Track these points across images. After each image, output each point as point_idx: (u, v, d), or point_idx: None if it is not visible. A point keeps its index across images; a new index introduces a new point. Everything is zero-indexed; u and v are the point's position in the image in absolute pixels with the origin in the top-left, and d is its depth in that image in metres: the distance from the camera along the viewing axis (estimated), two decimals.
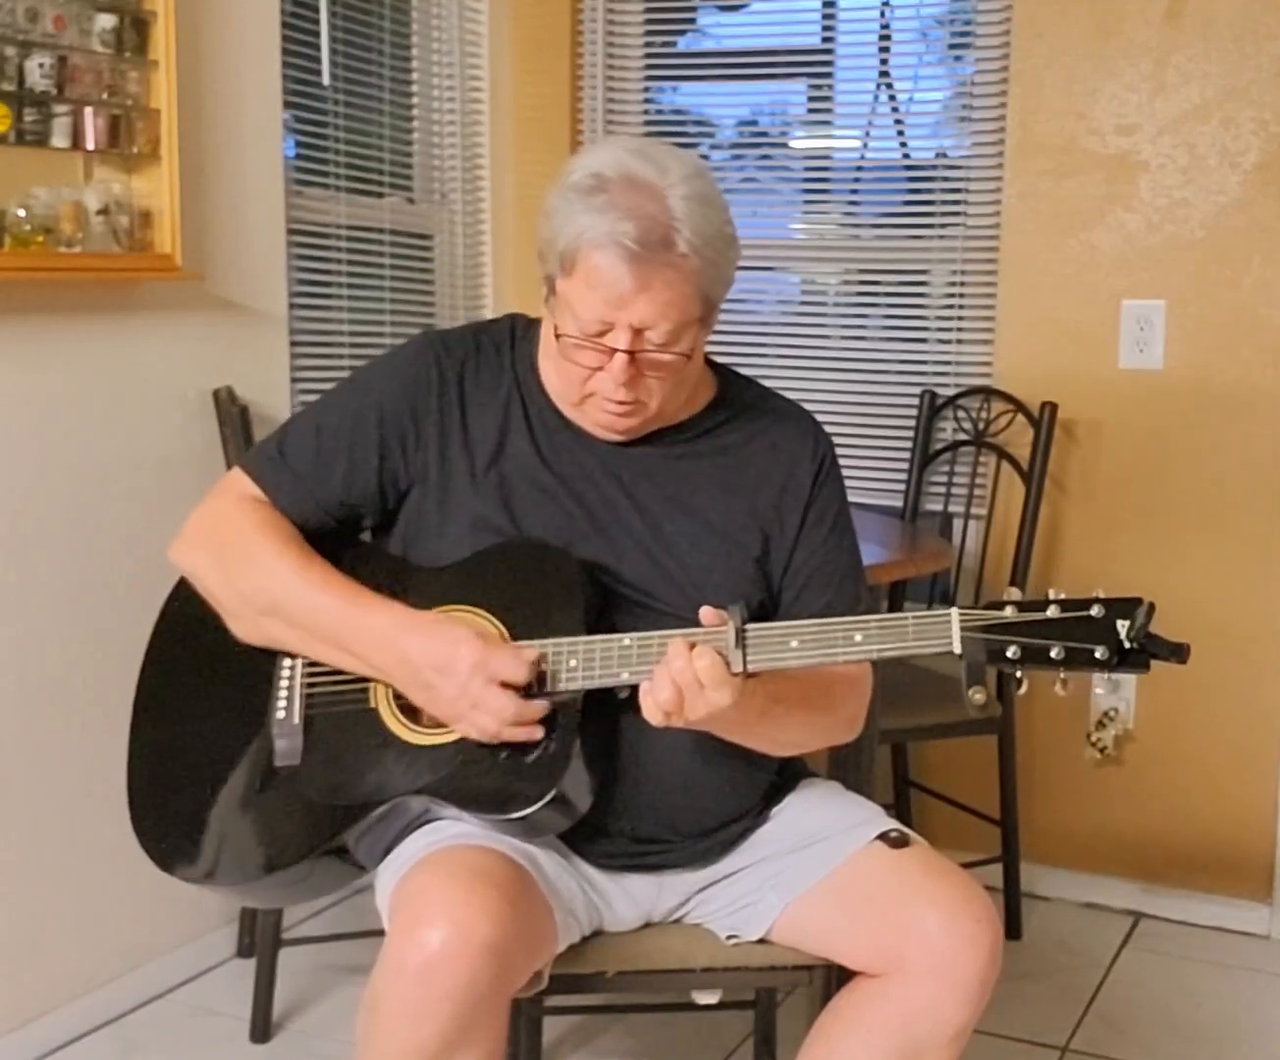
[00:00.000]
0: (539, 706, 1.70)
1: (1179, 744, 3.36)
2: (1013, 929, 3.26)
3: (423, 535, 1.86)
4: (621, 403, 1.77)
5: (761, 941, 1.88)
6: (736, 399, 1.93)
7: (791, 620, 1.72)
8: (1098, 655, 1.57)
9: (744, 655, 1.63)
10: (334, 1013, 2.87)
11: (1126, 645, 1.57)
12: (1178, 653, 1.58)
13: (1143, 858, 3.41)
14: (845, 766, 2.54)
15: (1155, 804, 3.39)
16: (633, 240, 1.67)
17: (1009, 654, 1.59)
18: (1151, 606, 1.57)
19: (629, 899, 1.89)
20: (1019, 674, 1.62)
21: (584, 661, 1.71)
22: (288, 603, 1.80)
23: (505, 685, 1.68)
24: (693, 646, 1.63)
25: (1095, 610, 1.58)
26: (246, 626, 1.85)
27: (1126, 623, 1.57)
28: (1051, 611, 1.59)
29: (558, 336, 1.75)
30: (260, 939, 2.80)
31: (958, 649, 1.60)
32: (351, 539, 1.91)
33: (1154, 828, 3.40)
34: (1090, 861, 3.46)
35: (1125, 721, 3.40)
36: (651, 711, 1.64)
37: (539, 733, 1.70)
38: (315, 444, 1.88)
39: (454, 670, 1.69)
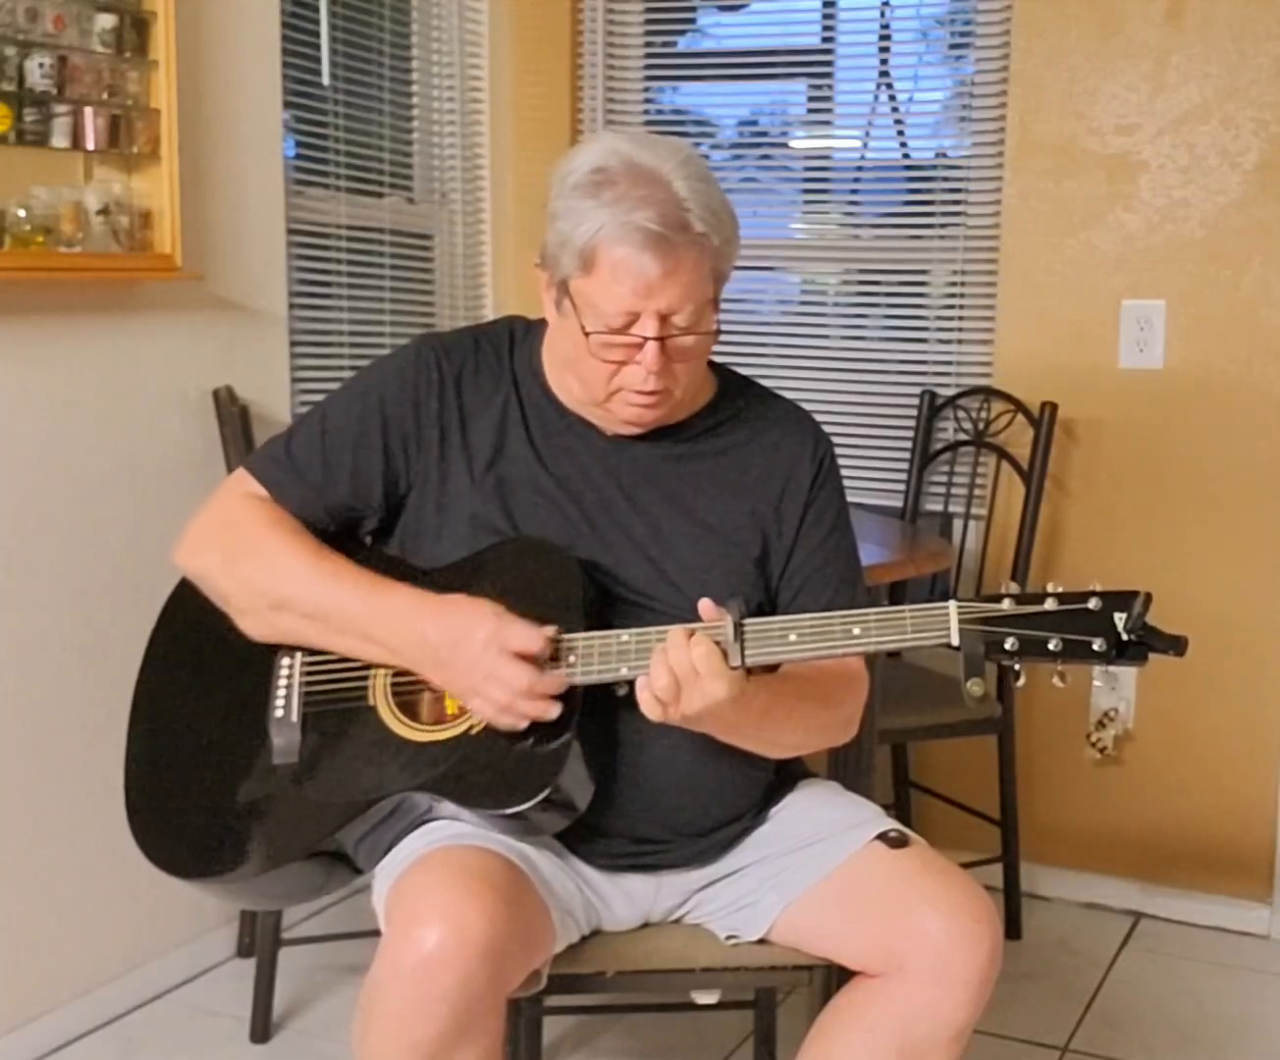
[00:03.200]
0: (554, 679, 1.69)
1: (1179, 744, 3.36)
2: (1013, 929, 3.26)
3: (421, 538, 1.86)
4: (651, 393, 1.77)
5: (761, 942, 1.88)
6: (736, 399, 1.94)
7: None
8: (1095, 647, 1.58)
9: (742, 648, 1.63)
10: (334, 1013, 2.87)
11: (1124, 637, 1.57)
12: (1175, 645, 1.58)
13: (1143, 858, 3.41)
14: (845, 766, 2.53)
15: (1155, 804, 3.39)
16: (655, 225, 1.67)
17: (1007, 646, 1.59)
18: (1148, 597, 1.57)
19: (627, 899, 1.89)
20: (1017, 666, 1.62)
21: (582, 657, 1.71)
22: (302, 596, 1.80)
23: (521, 658, 1.68)
24: (691, 634, 1.63)
25: (1093, 602, 1.58)
26: (259, 623, 1.84)
27: (1124, 615, 1.57)
28: (1049, 604, 1.59)
29: (586, 335, 1.74)
30: (260, 939, 2.80)
31: (955, 641, 1.60)
32: (351, 542, 1.90)
33: (1154, 828, 3.40)
34: (1090, 861, 3.46)
35: (1125, 721, 3.40)
36: (649, 704, 1.64)
37: (555, 709, 1.69)
38: (321, 447, 1.88)
39: (469, 641, 1.69)
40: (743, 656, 1.64)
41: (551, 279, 1.79)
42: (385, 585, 1.78)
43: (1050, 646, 1.58)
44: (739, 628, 1.64)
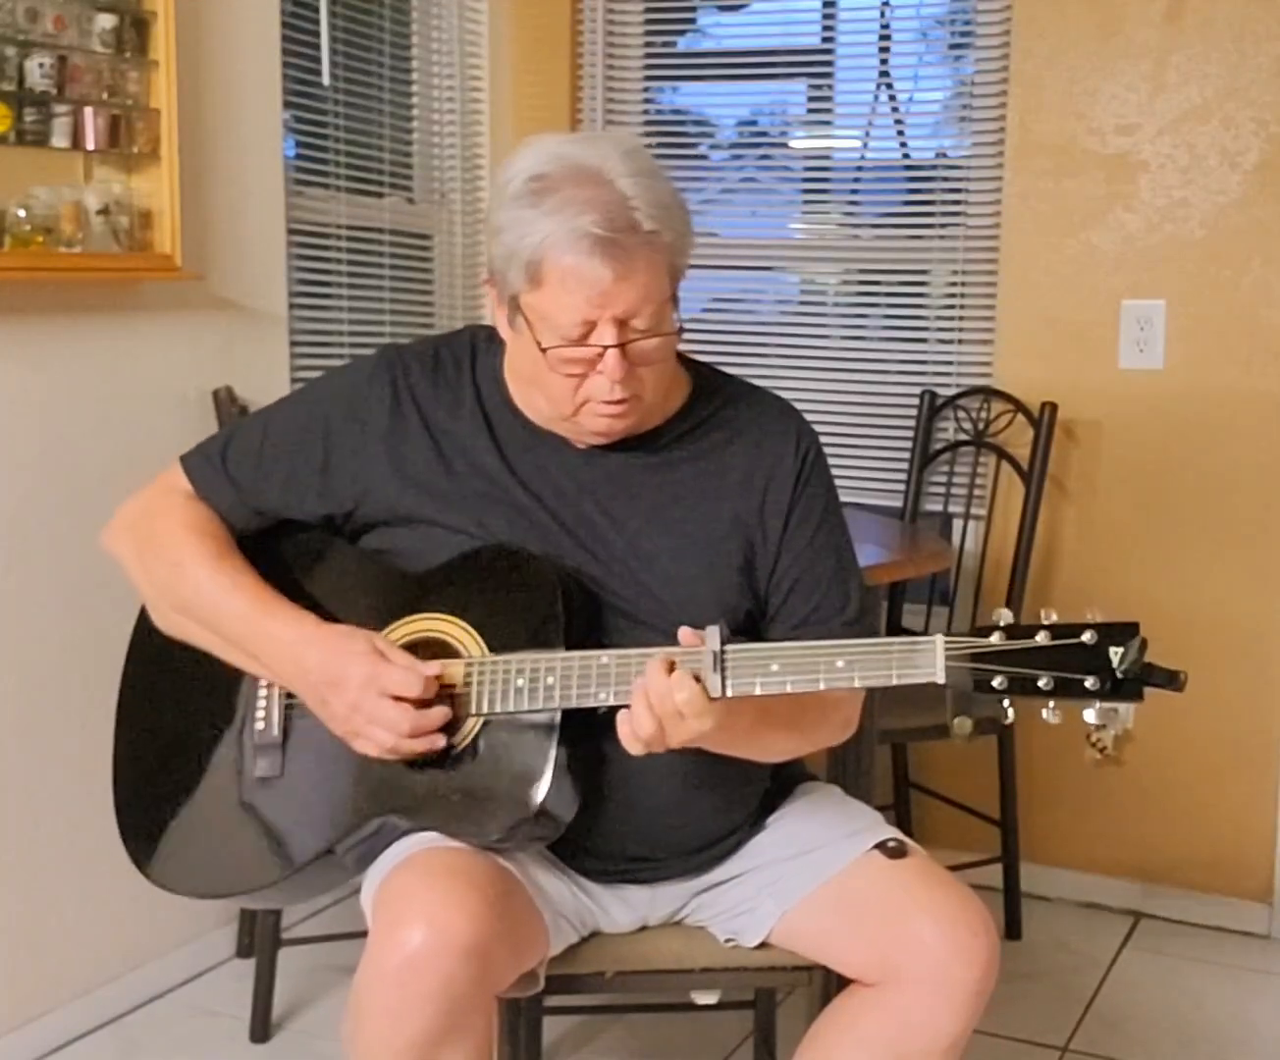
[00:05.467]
0: (436, 714, 1.67)
1: (1179, 744, 3.35)
2: (1013, 929, 3.26)
3: (396, 555, 1.81)
4: (619, 402, 1.70)
5: (760, 947, 1.87)
6: (713, 398, 1.85)
7: (778, 626, 1.71)
8: (1088, 685, 1.50)
9: (722, 679, 1.57)
10: (333, 1013, 2.86)
11: (1119, 674, 1.51)
12: (1173, 681, 1.51)
13: (1143, 858, 3.41)
14: (844, 767, 2.54)
15: (1155, 804, 3.39)
16: (602, 229, 1.61)
17: (994, 684, 1.52)
18: (1144, 642, 1.50)
19: (624, 905, 1.88)
20: (1006, 704, 1.55)
21: (561, 679, 1.65)
22: (199, 602, 1.79)
23: (400, 700, 1.66)
24: (671, 666, 1.57)
25: (1087, 636, 1.50)
26: (164, 621, 1.85)
27: (1120, 650, 1.50)
28: (1041, 638, 1.51)
29: (543, 352, 1.67)
30: (260, 939, 2.81)
31: (941, 678, 1.54)
32: (334, 544, 1.86)
33: (1154, 828, 3.40)
34: (1090, 861, 3.46)
35: (1125, 721, 3.39)
36: (631, 744, 1.59)
37: (441, 741, 1.68)
38: (258, 452, 1.85)
39: (345, 686, 1.67)
40: (724, 688, 1.57)
41: (501, 296, 1.72)
42: (274, 606, 1.75)
43: (1040, 684, 1.50)
44: (719, 657, 1.57)
